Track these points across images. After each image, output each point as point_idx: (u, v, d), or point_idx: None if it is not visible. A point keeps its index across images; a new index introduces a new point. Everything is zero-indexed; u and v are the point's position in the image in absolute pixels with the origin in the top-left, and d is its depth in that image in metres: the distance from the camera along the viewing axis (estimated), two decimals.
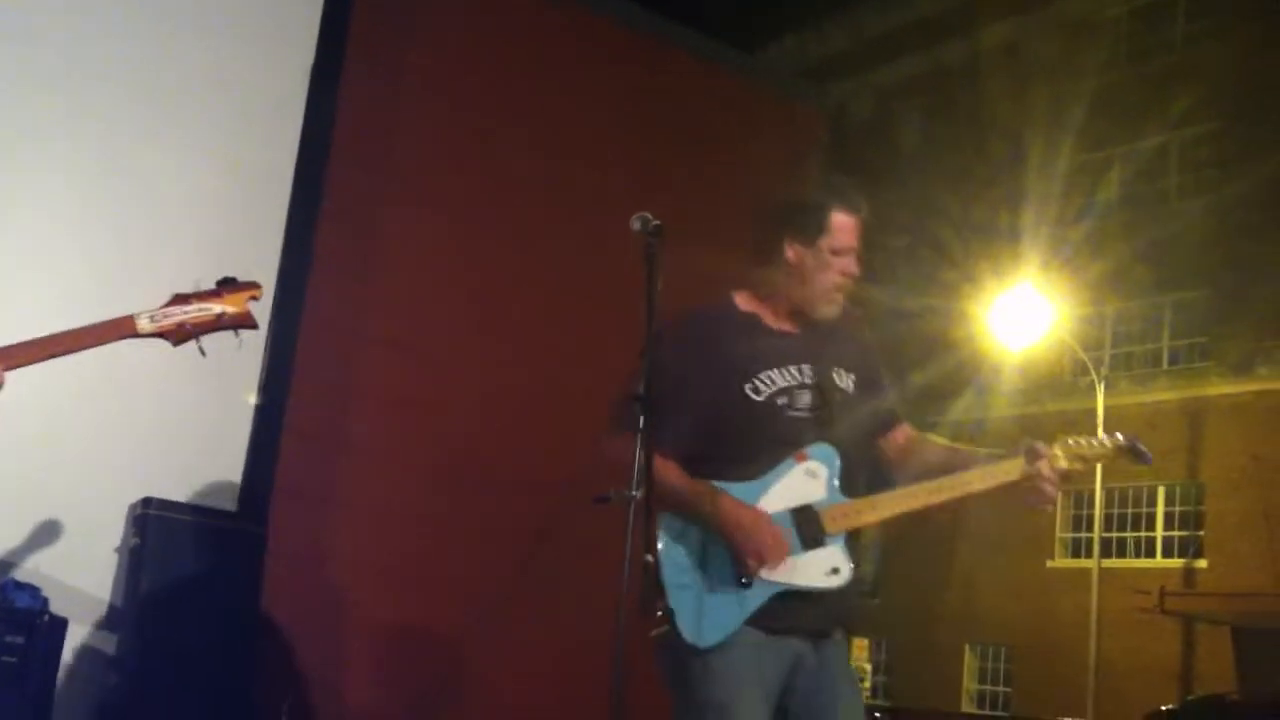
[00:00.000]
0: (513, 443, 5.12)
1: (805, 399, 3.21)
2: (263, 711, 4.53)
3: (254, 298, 2.88)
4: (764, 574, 3.05)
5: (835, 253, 3.26)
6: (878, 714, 8.46)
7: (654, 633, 3.06)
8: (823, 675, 3.15)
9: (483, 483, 5.02)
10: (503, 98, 5.65)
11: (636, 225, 3.12)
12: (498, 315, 5.29)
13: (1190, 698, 14.06)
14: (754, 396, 3.18)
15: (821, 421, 3.19)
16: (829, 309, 3.29)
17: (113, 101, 4.87)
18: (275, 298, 5.05)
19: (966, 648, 23.29)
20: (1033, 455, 3.17)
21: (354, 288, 5.15)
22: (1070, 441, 3.25)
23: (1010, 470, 3.18)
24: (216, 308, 2.84)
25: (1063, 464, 3.22)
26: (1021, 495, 3.20)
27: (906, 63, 26.72)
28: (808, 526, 3.09)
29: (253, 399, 4.95)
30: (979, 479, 3.20)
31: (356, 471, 5.03)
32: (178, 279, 4.63)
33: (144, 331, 2.76)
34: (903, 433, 3.38)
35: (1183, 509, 21.02)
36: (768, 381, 3.20)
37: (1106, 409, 19.83)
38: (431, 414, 5.12)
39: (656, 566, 3.03)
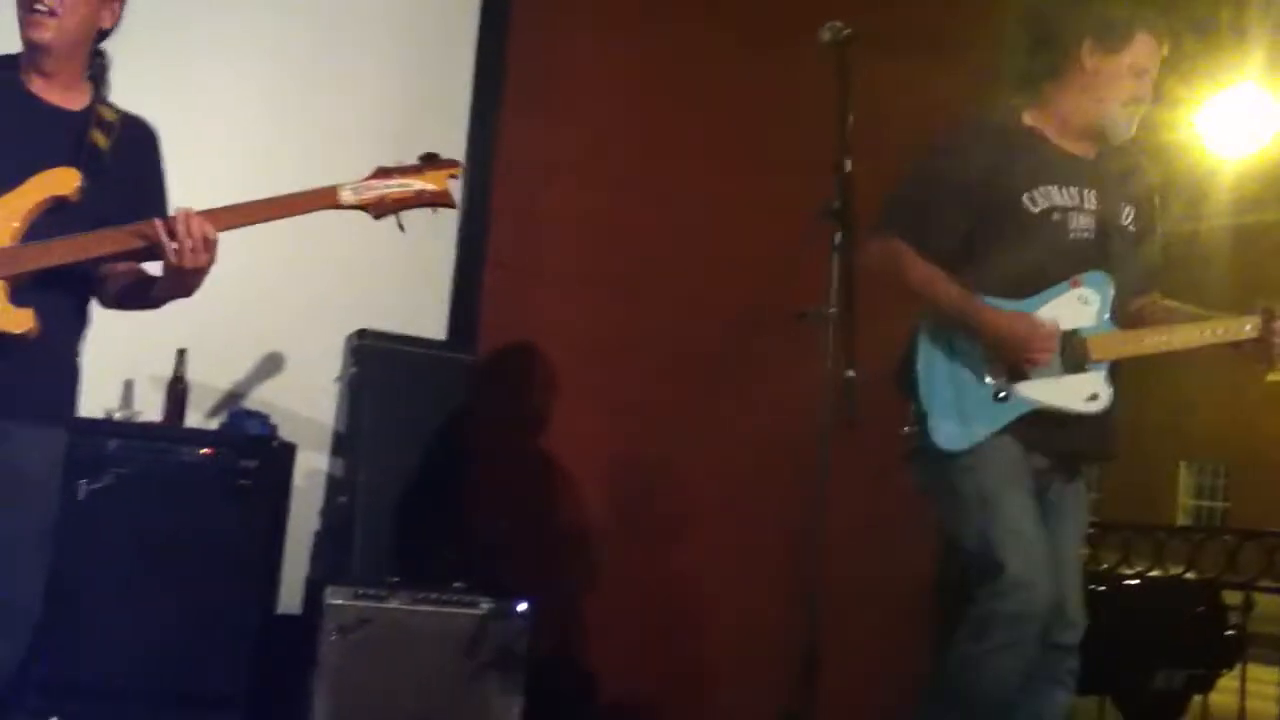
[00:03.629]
0: (703, 263, 5.12)
1: (1085, 222, 3.13)
2: (481, 527, 4.77)
3: (453, 175, 2.86)
4: (1021, 390, 3.05)
5: (1133, 70, 3.13)
6: (1091, 528, 8.38)
7: (905, 430, 3.14)
8: (1062, 506, 3.20)
9: (675, 305, 5.06)
10: None
11: (826, 36, 3.05)
12: (685, 136, 5.24)
13: None
14: (1030, 208, 3.11)
15: (1100, 249, 3.13)
16: (1122, 128, 3.18)
17: None
18: (469, 132, 5.17)
19: (1182, 464, 22.79)
20: (1269, 316, 3.12)
21: (543, 117, 5.18)
22: None
23: (1246, 327, 3.16)
24: (417, 184, 2.81)
25: None
26: (1255, 355, 3.21)
27: None
28: (1072, 351, 3.07)
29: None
30: (1220, 331, 3.20)
31: (553, 298, 5.14)
32: (367, 121, 4.82)
33: (345, 203, 2.78)
34: (1151, 299, 3.33)
35: None
36: (1046, 196, 3.12)
37: None
38: (622, 238, 5.15)
39: (910, 370, 3.10)
